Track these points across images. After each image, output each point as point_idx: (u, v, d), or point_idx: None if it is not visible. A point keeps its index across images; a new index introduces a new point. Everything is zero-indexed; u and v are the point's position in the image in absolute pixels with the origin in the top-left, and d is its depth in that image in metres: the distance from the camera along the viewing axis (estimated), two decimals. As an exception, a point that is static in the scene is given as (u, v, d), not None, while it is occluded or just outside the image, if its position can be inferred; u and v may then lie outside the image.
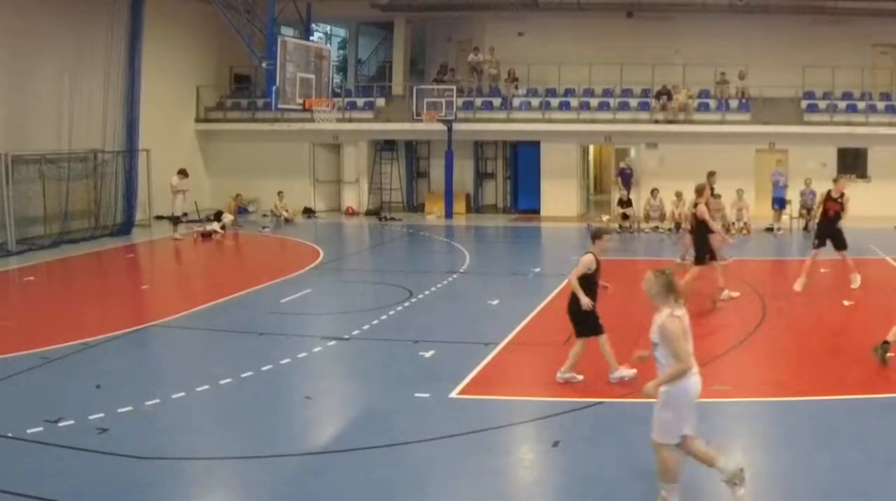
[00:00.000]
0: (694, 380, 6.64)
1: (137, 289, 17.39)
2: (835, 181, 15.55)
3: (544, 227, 26.77)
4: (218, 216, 24.82)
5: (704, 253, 14.02)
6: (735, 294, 14.21)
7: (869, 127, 26.27)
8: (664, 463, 6.60)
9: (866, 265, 18.89)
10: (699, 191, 14.45)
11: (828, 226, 14.95)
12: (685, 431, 6.55)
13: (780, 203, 24.01)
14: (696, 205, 14.32)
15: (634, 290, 15.76)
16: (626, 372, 9.67)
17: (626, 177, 26.49)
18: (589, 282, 9.64)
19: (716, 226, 13.87)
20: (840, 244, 15.00)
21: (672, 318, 6.72)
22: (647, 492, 7.02)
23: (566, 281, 9.27)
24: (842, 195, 14.99)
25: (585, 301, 9.52)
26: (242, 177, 28.94)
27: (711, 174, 16.21)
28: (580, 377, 9.83)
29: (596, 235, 9.83)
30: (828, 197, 15.07)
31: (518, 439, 8.39)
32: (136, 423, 8.56)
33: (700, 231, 14.12)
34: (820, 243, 14.98)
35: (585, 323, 9.75)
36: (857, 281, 14.97)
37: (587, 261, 9.59)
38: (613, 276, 17.36)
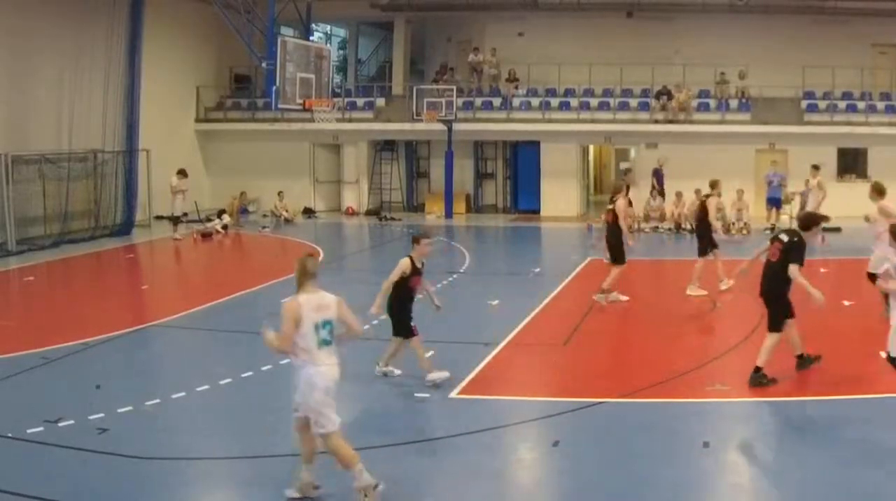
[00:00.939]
0: (312, 371, 6.74)
1: (137, 289, 17.40)
2: (711, 187, 15.66)
3: (544, 227, 26.76)
4: (220, 215, 24.82)
5: (706, 247, 14.65)
6: (727, 284, 14.27)
7: (869, 127, 26.26)
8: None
9: (866, 265, 18.86)
10: (713, 185, 15.45)
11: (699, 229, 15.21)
12: (300, 412, 6.81)
13: (775, 203, 23.96)
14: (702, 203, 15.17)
15: (635, 290, 15.78)
16: (439, 375, 9.71)
17: (661, 177, 25.86)
18: (404, 287, 9.71)
19: (626, 226, 14.26)
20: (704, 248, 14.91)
21: (292, 301, 6.86)
22: (647, 492, 7.02)
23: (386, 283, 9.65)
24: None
25: (377, 306, 9.66)
26: (242, 177, 28.91)
27: (628, 171, 17.00)
28: (398, 371, 10.03)
29: (415, 240, 9.96)
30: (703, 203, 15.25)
31: (518, 439, 8.39)
32: (136, 423, 8.56)
33: (701, 227, 14.93)
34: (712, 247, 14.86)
35: (400, 325, 9.85)
36: (726, 283, 14.59)
37: (403, 265, 9.65)
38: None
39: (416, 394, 9.43)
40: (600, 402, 9.11)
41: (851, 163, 27.08)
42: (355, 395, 10.05)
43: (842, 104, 26.88)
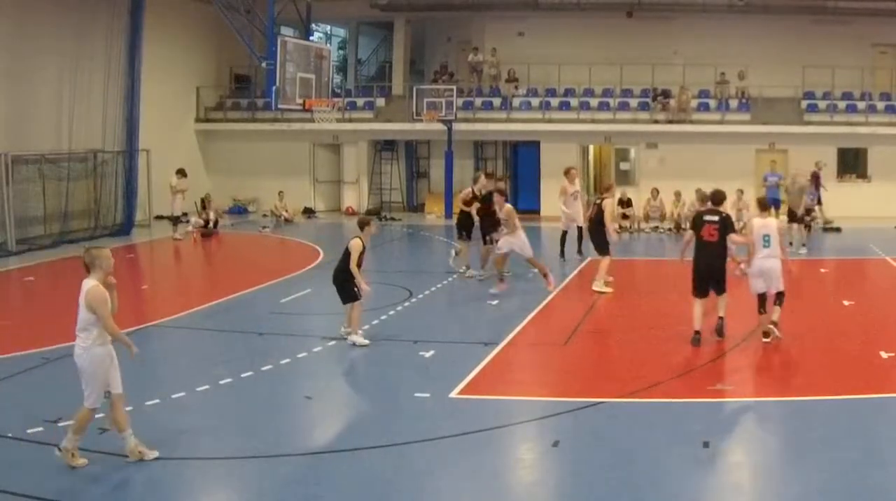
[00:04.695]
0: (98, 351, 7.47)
1: (137, 289, 17.38)
2: (606, 189, 16.26)
3: (544, 227, 26.70)
4: (204, 206, 24.72)
5: (604, 246, 15.37)
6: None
7: (869, 127, 26.26)
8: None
9: (866, 265, 18.93)
10: (607, 188, 16.58)
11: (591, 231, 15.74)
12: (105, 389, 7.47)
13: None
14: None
15: (635, 290, 15.82)
16: (361, 340, 11.32)
17: (818, 181, 25.18)
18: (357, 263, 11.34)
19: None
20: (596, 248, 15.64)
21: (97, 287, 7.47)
22: (647, 492, 7.02)
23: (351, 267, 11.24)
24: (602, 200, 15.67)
25: (366, 288, 11.50)
26: (242, 177, 28.94)
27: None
28: (365, 341, 11.38)
29: (365, 223, 11.66)
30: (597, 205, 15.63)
31: (518, 439, 8.39)
32: (137, 423, 8.55)
33: (595, 228, 15.72)
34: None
35: (346, 292, 11.43)
36: (598, 284, 15.12)
37: (358, 247, 11.24)
38: (616, 276, 17.37)
39: (416, 394, 9.42)
40: (600, 402, 9.11)
41: (851, 163, 27.10)
42: (355, 395, 10.06)
43: (842, 104, 26.87)
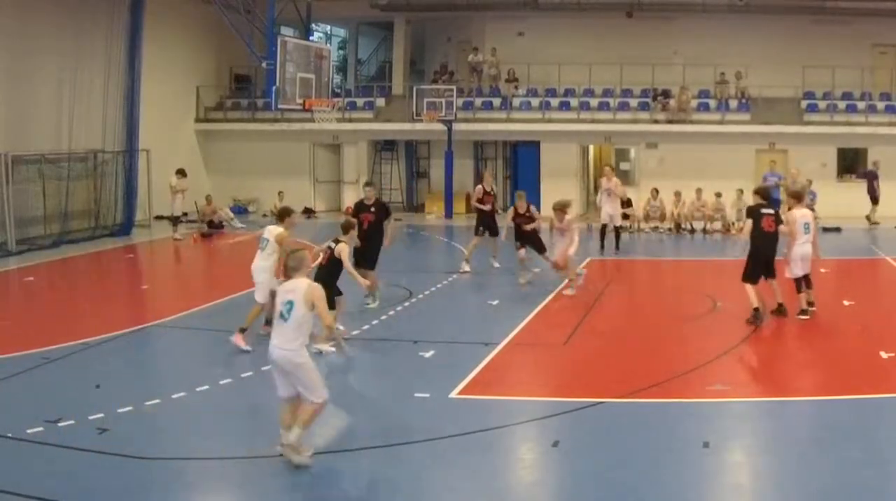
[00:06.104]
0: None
1: (137, 289, 17.40)
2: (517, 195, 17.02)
3: (544, 227, 26.71)
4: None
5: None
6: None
7: (869, 127, 26.26)
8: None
9: (866, 265, 18.93)
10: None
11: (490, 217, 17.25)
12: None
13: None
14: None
15: (635, 290, 15.81)
16: (327, 347, 10.87)
17: (874, 179, 24.99)
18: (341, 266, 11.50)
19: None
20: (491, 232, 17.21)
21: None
22: (647, 492, 7.02)
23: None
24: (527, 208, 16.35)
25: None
26: (242, 177, 28.92)
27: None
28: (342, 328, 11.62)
29: (346, 228, 12.06)
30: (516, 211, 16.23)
31: (518, 439, 8.38)
32: (136, 423, 8.56)
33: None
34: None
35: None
36: (524, 278, 15.78)
37: (344, 250, 11.49)
38: (616, 276, 17.38)
39: (415, 394, 9.42)
40: (600, 402, 9.11)
41: (851, 163, 27.10)
42: (355, 395, 10.06)
43: (842, 104, 26.87)
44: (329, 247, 11.56)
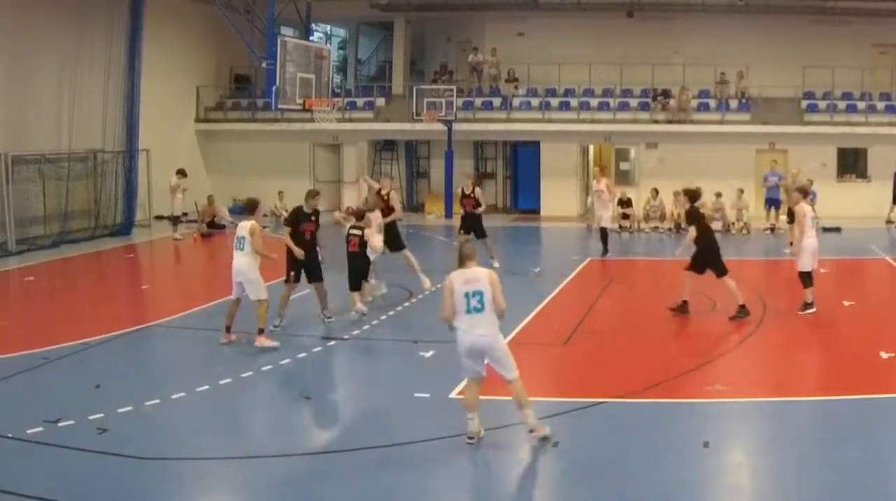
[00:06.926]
0: (458, 334, 7.86)
1: (137, 289, 17.40)
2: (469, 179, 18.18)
3: (544, 227, 26.76)
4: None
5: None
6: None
7: (869, 127, 26.23)
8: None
9: (866, 265, 18.94)
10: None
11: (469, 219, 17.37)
12: (466, 375, 8.05)
13: (774, 203, 23.94)
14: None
15: (635, 289, 15.79)
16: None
17: None
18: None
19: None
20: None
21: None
22: (647, 492, 7.02)
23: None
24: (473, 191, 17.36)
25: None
26: (242, 177, 28.87)
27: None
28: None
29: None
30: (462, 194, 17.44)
31: (518, 439, 8.38)
32: (136, 423, 8.56)
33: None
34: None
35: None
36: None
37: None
38: (616, 276, 17.38)
39: (415, 394, 9.42)
40: (600, 402, 9.11)
41: (851, 163, 27.08)
42: (355, 395, 10.06)
43: (842, 104, 26.85)
44: (354, 235, 12.67)
